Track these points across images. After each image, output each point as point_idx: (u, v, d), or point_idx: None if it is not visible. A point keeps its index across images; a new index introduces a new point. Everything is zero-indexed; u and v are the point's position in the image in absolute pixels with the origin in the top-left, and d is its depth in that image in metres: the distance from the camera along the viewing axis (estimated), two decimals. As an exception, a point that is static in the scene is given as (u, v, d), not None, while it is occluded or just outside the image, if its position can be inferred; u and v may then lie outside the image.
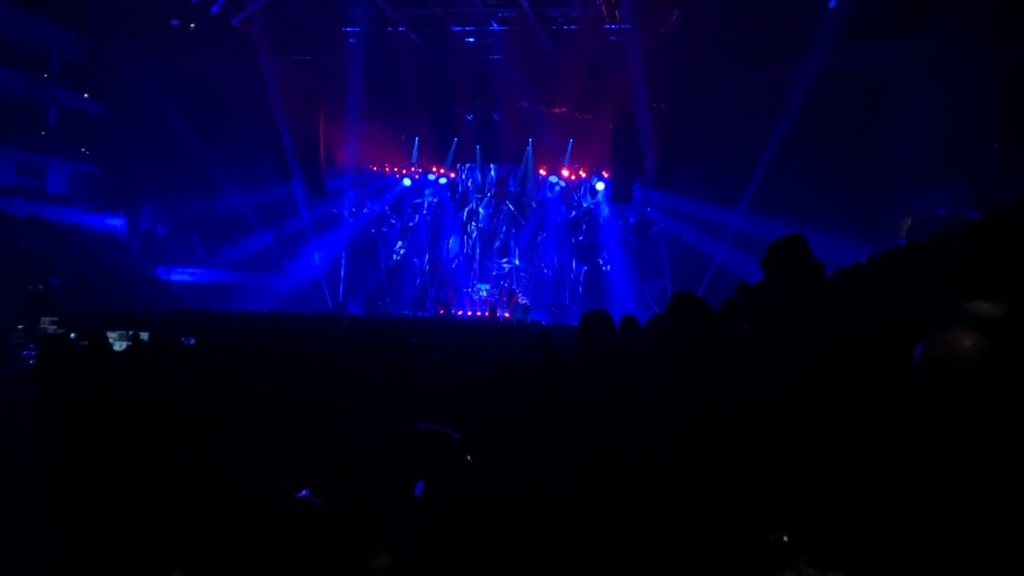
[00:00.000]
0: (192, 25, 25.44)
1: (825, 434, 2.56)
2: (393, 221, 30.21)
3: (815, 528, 2.22)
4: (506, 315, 26.05)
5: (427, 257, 29.99)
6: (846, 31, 19.43)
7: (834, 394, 2.87)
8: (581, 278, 27.96)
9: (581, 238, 28.35)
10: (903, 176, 19.58)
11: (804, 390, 2.94)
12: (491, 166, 29.37)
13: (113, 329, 12.05)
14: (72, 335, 11.10)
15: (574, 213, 28.60)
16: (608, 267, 27.39)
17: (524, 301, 27.33)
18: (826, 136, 21.28)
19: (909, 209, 19.71)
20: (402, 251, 30.20)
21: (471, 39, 25.24)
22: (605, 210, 27.84)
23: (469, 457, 2.41)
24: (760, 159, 22.20)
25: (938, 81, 18.59)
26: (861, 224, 20.10)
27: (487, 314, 26.33)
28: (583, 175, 28.13)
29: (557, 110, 26.80)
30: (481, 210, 29.66)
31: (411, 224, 30.28)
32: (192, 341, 10.19)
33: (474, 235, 29.54)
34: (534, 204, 29.21)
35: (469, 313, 26.96)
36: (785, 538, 2.22)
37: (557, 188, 28.66)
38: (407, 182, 29.81)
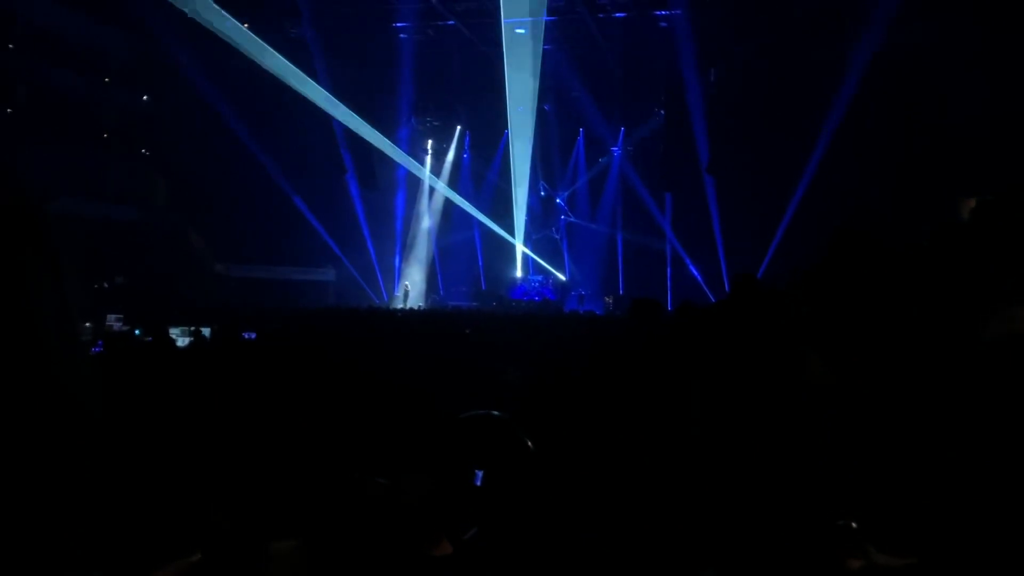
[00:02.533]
0: (245, 24, 25.84)
1: (887, 423, 2.51)
2: (431, 215, 30.41)
3: (885, 513, 2.17)
4: (559, 305, 26.03)
5: (476, 249, 30.13)
6: (905, 4, 18.91)
7: (893, 382, 2.81)
8: (640, 266, 27.66)
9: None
10: (966, 155, 19.03)
11: (860, 379, 2.88)
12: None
13: (175, 325, 12.32)
14: (136, 331, 11.38)
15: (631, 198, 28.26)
16: (670, 254, 27.03)
17: (580, 291, 27.32)
18: (886, 115, 20.78)
19: (973, 189, 19.15)
20: (446, 242, 30.40)
21: (521, 30, 25.20)
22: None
23: (530, 443, 2.40)
24: (817, 141, 21.78)
25: (1004, 55, 18.00)
26: (923, 204, 19.59)
27: (539, 302, 26.39)
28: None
29: (607, 98, 26.66)
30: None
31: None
32: (252, 336, 10.36)
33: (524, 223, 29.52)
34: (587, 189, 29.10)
35: (523, 302, 27.01)
36: (853, 524, 2.18)
37: (611, 171, 28.44)
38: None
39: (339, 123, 26.78)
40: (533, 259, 29.40)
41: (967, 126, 18.44)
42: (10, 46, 23.46)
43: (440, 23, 24.76)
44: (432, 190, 30.42)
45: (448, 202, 30.24)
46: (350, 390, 4.69)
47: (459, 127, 29.84)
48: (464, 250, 30.54)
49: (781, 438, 2.72)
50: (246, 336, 10.13)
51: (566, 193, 29.65)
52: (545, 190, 29.83)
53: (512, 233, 28.87)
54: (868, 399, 2.77)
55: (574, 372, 4.29)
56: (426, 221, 30.35)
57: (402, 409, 3.81)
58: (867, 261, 3.45)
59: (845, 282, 3.42)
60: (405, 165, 28.94)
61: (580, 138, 28.57)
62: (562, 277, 29.22)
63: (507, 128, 28.30)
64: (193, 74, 25.92)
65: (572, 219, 29.36)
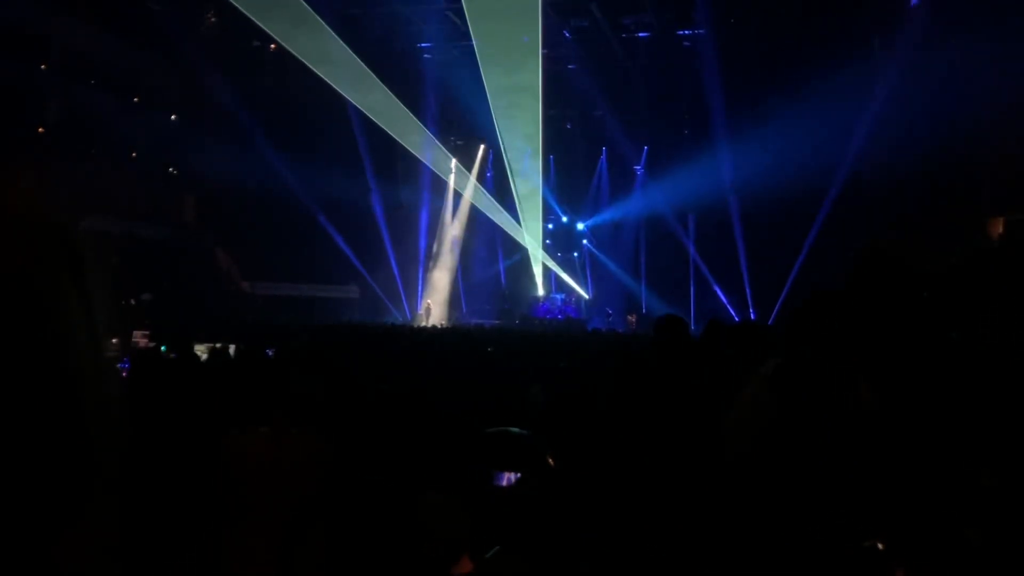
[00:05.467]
0: (272, 46, 26.16)
1: (922, 443, 2.47)
2: (454, 232, 30.49)
3: (912, 535, 2.13)
4: (583, 323, 25.96)
5: (499, 267, 30.18)
6: (930, 27, 18.81)
7: (931, 403, 2.77)
8: (663, 285, 27.51)
9: None
10: (995, 175, 18.86)
11: (900, 400, 2.84)
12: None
13: (200, 342, 12.38)
14: (162, 348, 11.43)
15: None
16: (693, 274, 26.89)
17: (608, 310, 27.27)
18: (911, 136, 20.63)
19: (1001, 209, 18.96)
20: (469, 260, 30.46)
21: (544, 50, 25.28)
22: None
23: (551, 460, 2.40)
24: (842, 161, 21.69)
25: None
26: (950, 226, 19.37)
27: (562, 320, 26.35)
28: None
29: (631, 118, 26.65)
30: (550, 225, 29.65)
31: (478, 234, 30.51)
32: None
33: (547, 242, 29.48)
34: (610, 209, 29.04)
35: (546, 320, 26.97)
36: (880, 545, 2.14)
37: (634, 190, 28.37)
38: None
39: (364, 141, 26.98)
40: (555, 278, 29.37)
41: (994, 145, 18.29)
42: (42, 67, 23.88)
43: (465, 43, 24.90)
44: (455, 208, 30.52)
45: (471, 221, 30.33)
46: (372, 408, 4.69)
47: (483, 146, 29.96)
48: (487, 268, 30.58)
49: (819, 458, 2.69)
50: (270, 353, 10.16)
51: (588, 220, 29.63)
52: (568, 215, 29.85)
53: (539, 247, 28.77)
54: (906, 422, 2.73)
55: (597, 390, 4.27)
56: (449, 239, 30.45)
57: (425, 426, 3.81)
58: (897, 281, 3.41)
59: (876, 303, 3.38)
60: (430, 184, 29.03)
61: (603, 157, 28.56)
62: (585, 295, 29.18)
63: (529, 147, 28.38)
64: (220, 94, 26.25)
65: (593, 248, 29.37)
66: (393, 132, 26.29)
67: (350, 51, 23.50)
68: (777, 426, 2.71)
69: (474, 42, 22.60)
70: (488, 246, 30.47)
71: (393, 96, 25.19)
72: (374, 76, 24.34)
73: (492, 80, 23.94)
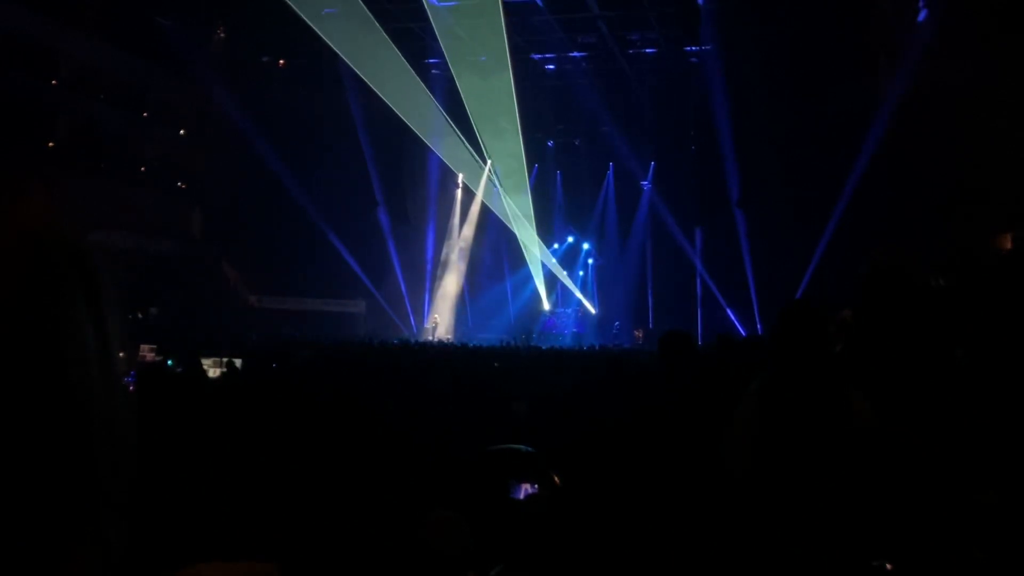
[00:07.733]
0: (281, 62, 26.33)
1: (930, 463, 2.46)
2: (461, 246, 30.48)
3: (920, 555, 2.12)
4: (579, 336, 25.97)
5: (506, 282, 30.14)
6: (937, 44, 18.79)
7: (937, 418, 2.76)
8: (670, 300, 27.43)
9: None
10: (1002, 191, 18.78)
11: (901, 416, 2.83)
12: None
13: (207, 356, 12.39)
14: (169, 362, 11.45)
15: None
16: (700, 289, 26.78)
17: (616, 324, 27.25)
18: (917, 151, 20.59)
19: (1009, 225, 18.86)
20: (476, 276, 30.45)
21: (551, 66, 25.36)
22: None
23: (556, 478, 2.39)
24: (848, 175, 21.64)
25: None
26: (956, 240, 19.27)
27: (568, 335, 26.35)
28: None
29: (638, 133, 26.67)
30: (556, 244, 29.63)
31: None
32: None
33: (553, 261, 29.44)
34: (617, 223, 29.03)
35: (552, 334, 26.96)
36: (888, 565, 2.13)
37: (641, 205, 28.36)
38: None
39: (371, 156, 27.04)
40: (561, 292, 29.35)
41: (998, 162, 18.25)
42: (53, 82, 24.04)
43: (470, 59, 24.99)
44: (462, 222, 30.49)
45: (478, 234, 30.31)
46: (376, 427, 4.69)
47: (489, 161, 29.98)
48: (494, 283, 30.52)
49: (823, 477, 2.68)
50: (276, 367, 10.17)
51: (594, 238, 29.61)
52: (574, 234, 29.84)
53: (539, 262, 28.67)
54: (910, 441, 2.72)
55: (592, 404, 4.26)
56: (456, 253, 30.43)
57: (428, 445, 3.80)
58: (904, 298, 3.40)
59: (882, 319, 3.37)
60: (436, 198, 29.09)
61: (610, 172, 28.57)
62: (592, 310, 29.16)
63: (536, 163, 28.38)
64: (228, 109, 26.39)
65: (598, 266, 29.36)
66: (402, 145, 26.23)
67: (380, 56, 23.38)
68: (762, 441, 2.70)
69: (449, 64, 22.72)
70: (495, 261, 30.44)
71: (423, 103, 25.12)
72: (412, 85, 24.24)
73: (471, 97, 24.11)
